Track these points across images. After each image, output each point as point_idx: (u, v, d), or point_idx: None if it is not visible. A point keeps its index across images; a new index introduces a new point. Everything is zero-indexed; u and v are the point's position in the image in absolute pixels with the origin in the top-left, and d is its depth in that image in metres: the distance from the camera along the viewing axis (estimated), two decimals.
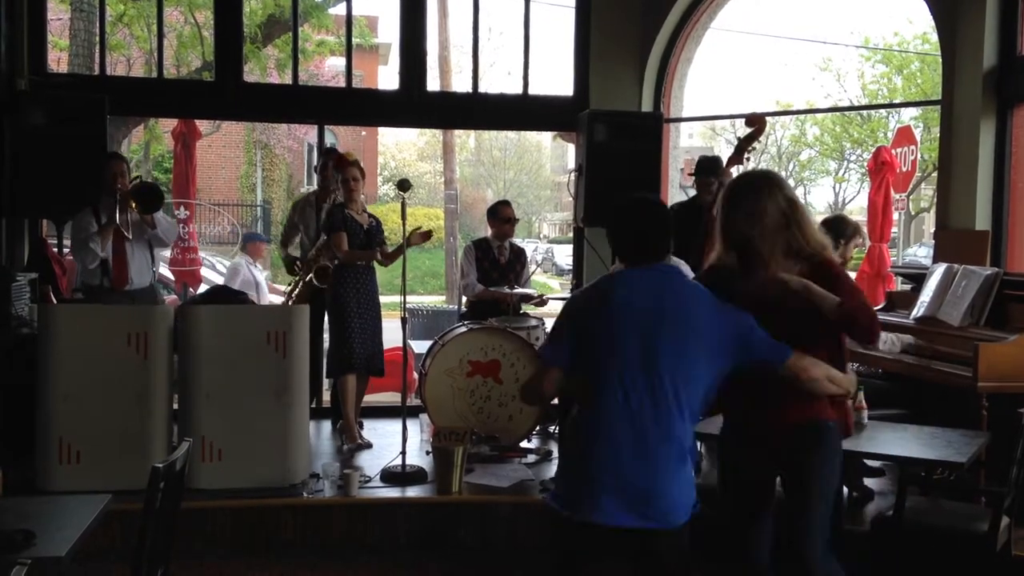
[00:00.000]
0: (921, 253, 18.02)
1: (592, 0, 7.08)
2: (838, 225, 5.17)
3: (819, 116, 26.05)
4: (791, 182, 34.77)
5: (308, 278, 5.91)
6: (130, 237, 5.63)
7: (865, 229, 8.08)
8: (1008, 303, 4.93)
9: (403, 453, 5.25)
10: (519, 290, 6.31)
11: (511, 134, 30.06)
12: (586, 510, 2.72)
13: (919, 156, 10.72)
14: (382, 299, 6.12)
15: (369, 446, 5.88)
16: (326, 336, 6.09)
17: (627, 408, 2.71)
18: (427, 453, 5.58)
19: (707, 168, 5.98)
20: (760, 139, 5.81)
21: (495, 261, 6.56)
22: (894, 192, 8.18)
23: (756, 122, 5.72)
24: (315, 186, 6.77)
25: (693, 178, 6.11)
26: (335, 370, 5.89)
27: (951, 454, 3.60)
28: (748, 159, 5.83)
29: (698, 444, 4.58)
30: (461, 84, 19.51)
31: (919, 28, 22.65)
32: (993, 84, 5.64)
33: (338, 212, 5.81)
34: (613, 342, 2.75)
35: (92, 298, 5.64)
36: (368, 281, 5.87)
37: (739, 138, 5.73)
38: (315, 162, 7.42)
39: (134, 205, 5.57)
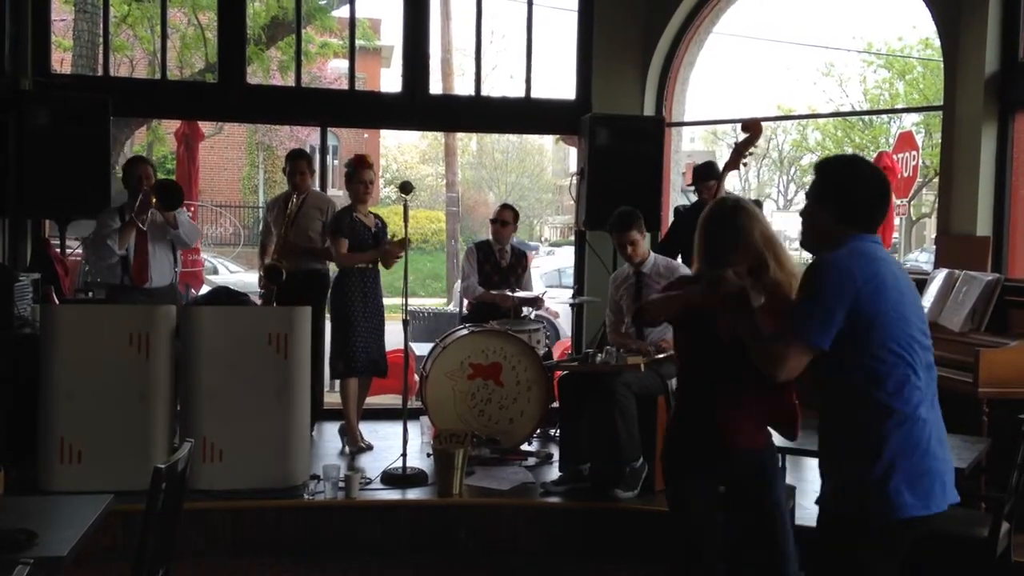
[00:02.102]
0: (922, 259, 18.00)
1: (595, 4, 7.09)
2: None
3: (821, 121, 26.07)
4: (792, 187, 34.83)
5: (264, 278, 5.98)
6: (143, 226, 5.63)
7: None
8: (1009, 309, 4.94)
9: (404, 455, 5.25)
10: (520, 293, 6.31)
11: (513, 137, 30.06)
12: (939, 502, 2.55)
13: (920, 161, 10.73)
14: (383, 301, 6.13)
15: (370, 448, 5.88)
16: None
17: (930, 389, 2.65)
18: (428, 455, 5.59)
19: (703, 174, 6.01)
20: (757, 144, 5.83)
21: (496, 264, 6.56)
22: (895, 197, 8.20)
23: (752, 128, 5.74)
24: (316, 188, 6.78)
25: (693, 187, 6.14)
26: (338, 373, 5.89)
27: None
28: (745, 164, 5.85)
29: None
30: (463, 87, 19.55)
31: (922, 33, 22.70)
32: (995, 90, 5.65)
33: (346, 215, 5.82)
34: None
35: (112, 295, 5.66)
36: (373, 283, 5.88)
37: (735, 144, 5.76)
38: (327, 164, 7.44)
39: (155, 201, 5.60)
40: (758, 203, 6.48)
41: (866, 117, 25.16)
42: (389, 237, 6.01)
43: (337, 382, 6.09)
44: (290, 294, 5.75)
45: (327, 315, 6.28)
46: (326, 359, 6.23)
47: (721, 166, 5.87)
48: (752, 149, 5.81)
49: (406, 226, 5.47)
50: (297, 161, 6.19)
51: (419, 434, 6.12)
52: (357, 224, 5.81)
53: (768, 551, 3.03)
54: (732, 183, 6.15)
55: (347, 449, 5.88)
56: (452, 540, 4.87)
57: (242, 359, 4.87)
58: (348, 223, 5.78)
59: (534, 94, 7.26)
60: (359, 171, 5.83)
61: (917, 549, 2.81)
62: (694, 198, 6.40)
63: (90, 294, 5.84)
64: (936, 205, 7.36)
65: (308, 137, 19.28)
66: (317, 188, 6.59)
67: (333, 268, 6.15)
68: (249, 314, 5.21)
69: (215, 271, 16.09)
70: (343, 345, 5.79)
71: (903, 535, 2.55)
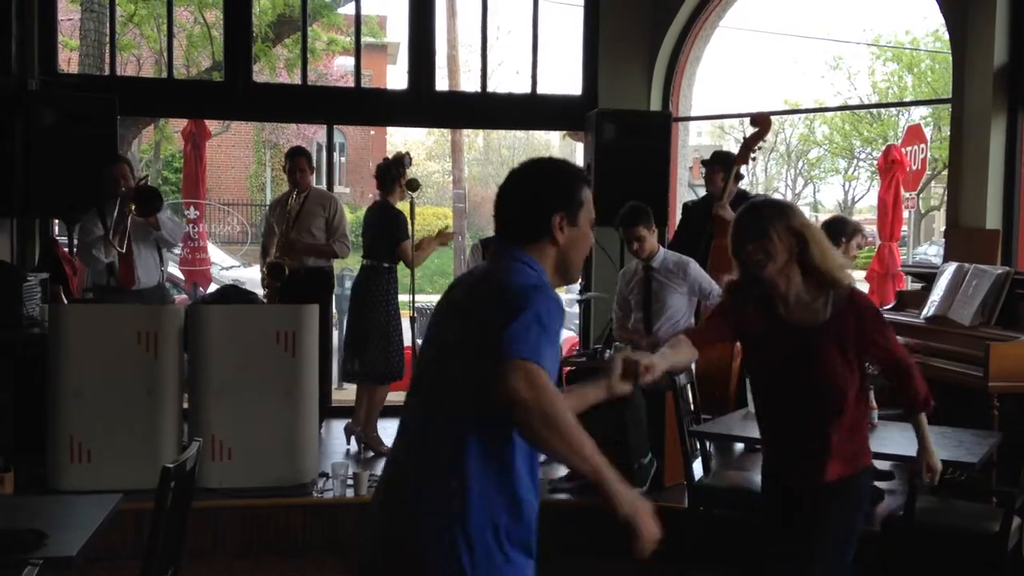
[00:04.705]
0: (931, 252, 17.92)
1: None
2: (838, 226, 5.17)
3: (829, 114, 25.95)
4: (800, 180, 34.72)
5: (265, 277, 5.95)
6: (121, 250, 5.53)
7: (875, 228, 8.08)
8: (1019, 302, 4.90)
9: None
10: None
11: (519, 133, 30.04)
12: None
13: (929, 154, 10.68)
14: None
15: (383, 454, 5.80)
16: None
17: None
18: None
19: (717, 159, 5.97)
20: (766, 138, 5.81)
21: None
22: (904, 191, 8.16)
23: (761, 122, 5.73)
24: (323, 185, 6.78)
25: (704, 169, 6.10)
26: (383, 377, 5.84)
27: (962, 454, 3.58)
28: (754, 158, 5.85)
29: (707, 444, 4.58)
30: (469, 83, 19.51)
31: (931, 26, 22.57)
32: (1004, 82, 5.61)
33: (404, 220, 5.76)
34: None
35: (101, 298, 5.65)
36: (395, 283, 5.87)
37: (744, 138, 5.74)
38: (334, 161, 7.42)
39: (133, 208, 5.51)
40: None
41: (874, 110, 25.04)
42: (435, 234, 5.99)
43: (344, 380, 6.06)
44: (293, 292, 5.74)
45: (341, 313, 6.25)
46: (335, 359, 6.21)
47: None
48: (761, 143, 5.80)
49: (412, 224, 5.47)
50: (297, 158, 6.15)
51: None
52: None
53: None
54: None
55: (352, 448, 5.85)
56: None
57: (250, 357, 4.88)
58: (405, 226, 5.74)
59: (540, 90, 7.24)
60: (404, 174, 5.80)
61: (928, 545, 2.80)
62: (702, 193, 6.38)
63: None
64: (945, 198, 7.32)
65: (315, 135, 19.29)
66: (322, 186, 6.58)
67: (338, 266, 6.13)
68: (257, 312, 5.22)
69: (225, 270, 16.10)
70: (389, 349, 5.72)
71: None
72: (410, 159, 5.84)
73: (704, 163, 6.07)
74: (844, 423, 2.89)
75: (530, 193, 2.16)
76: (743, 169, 5.93)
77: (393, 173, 5.76)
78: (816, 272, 2.87)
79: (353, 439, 5.92)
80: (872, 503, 4.84)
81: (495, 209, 2.23)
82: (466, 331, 2.04)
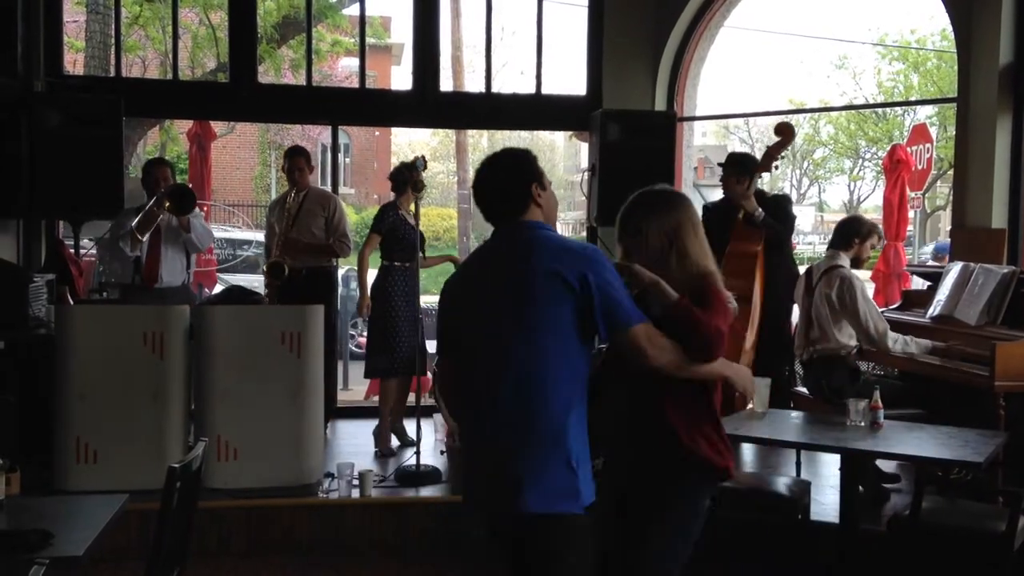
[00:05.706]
0: (926, 250, 17.87)
1: None
2: (854, 226, 5.16)
3: (834, 114, 25.91)
4: (805, 181, 34.64)
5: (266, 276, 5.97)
6: (142, 240, 5.66)
7: (881, 228, 8.07)
8: None
9: (417, 453, 5.25)
10: None
11: (524, 133, 30.05)
12: None
13: (934, 154, 10.67)
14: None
15: (392, 454, 5.80)
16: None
17: None
18: (441, 453, 5.59)
19: (733, 163, 5.94)
20: (788, 147, 5.82)
21: None
22: (909, 190, 8.14)
23: (784, 131, 5.74)
24: (328, 186, 6.79)
25: (720, 170, 6.08)
26: (378, 372, 5.87)
27: (968, 454, 3.57)
28: (776, 167, 5.86)
29: None
30: (474, 84, 19.51)
31: (937, 25, 22.53)
32: (1009, 81, 5.60)
33: (391, 213, 5.79)
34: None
35: (124, 295, 5.70)
36: (413, 282, 5.84)
37: (767, 147, 5.76)
38: (339, 162, 7.44)
39: (168, 205, 5.64)
40: (786, 198, 6.44)
41: (880, 110, 25.01)
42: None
43: (350, 380, 6.08)
44: (295, 292, 5.75)
45: (346, 314, 6.25)
46: (343, 358, 6.21)
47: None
48: (784, 152, 5.81)
49: (417, 223, 5.47)
50: (295, 158, 6.17)
51: (432, 432, 6.12)
52: (401, 223, 5.80)
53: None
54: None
55: (379, 451, 5.82)
56: (465, 538, 4.86)
57: (255, 358, 4.89)
58: (390, 221, 5.76)
59: (544, 90, 7.24)
60: (417, 174, 5.81)
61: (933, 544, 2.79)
62: (707, 193, 6.37)
63: (104, 294, 5.87)
64: (951, 198, 7.31)
65: (319, 136, 19.32)
66: (327, 186, 6.59)
67: (344, 264, 6.14)
68: (262, 313, 5.23)
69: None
70: (382, 345, 5.75)
71: None
72: (424, 162, 5.86)
73: (721, 166, 6.05)
74: (683, 416, 2.86)
75: (510, 176, 2.62)
76: (760, 177, 5.93)
77: (406, 177, 5.79)
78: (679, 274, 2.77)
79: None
80: (878, 503, 4.84)
81: (480, 201, 2.67)
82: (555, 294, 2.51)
